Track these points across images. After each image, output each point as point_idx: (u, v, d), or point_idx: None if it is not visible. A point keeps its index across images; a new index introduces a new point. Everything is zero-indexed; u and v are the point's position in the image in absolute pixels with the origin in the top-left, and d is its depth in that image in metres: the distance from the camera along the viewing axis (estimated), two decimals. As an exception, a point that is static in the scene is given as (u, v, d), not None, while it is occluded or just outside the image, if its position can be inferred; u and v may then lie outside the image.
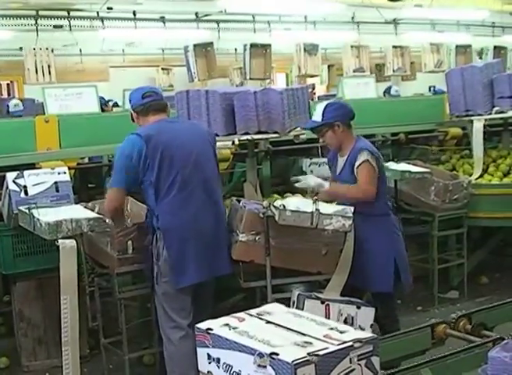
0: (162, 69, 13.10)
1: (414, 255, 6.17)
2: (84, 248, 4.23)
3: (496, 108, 6.29)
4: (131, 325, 4.41)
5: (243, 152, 5.43)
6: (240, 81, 13.31)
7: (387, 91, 10.48)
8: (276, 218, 3.91)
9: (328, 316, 3.99)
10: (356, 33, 13.16)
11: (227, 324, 2.01)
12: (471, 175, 6.25)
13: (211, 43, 11.26)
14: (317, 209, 3.93)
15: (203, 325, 2.01)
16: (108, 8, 10.88)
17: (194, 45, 10.95)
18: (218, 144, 4.32)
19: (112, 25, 11.16)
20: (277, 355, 1.79)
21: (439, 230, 5.77)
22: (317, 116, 4.38)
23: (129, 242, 4.11)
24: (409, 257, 6.03)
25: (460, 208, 5.79)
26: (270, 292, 4.09)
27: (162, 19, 11.52)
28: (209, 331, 1.97)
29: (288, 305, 4.06)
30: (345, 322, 3.99)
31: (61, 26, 11.29)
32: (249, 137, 4.82)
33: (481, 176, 6.25)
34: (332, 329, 1.95)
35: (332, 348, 1.82)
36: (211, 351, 1.97)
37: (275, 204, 4.00)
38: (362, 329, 4.00)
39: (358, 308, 4.04)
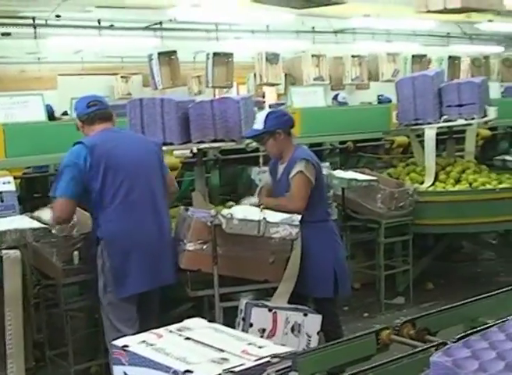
0: (121, 77, 13.04)
1: (362, 262, 6.28)
2: (29, 259, 4.17)
3: (444, 117, 6.42)
4: (77, 336, 4.37)
5: (192, 161, 5.44)
6: (198, 90, 13.32)
7: (335, 97, 10.65)
8: (223, 226, 3.92)
9: (275, 324, 4.01)
10: (309, 43, 13.28)
11: (144, 341, 1.96)
12: (421, 183, 6.36)
13: (175, 51, 11.26)
14: (264, 218, 3.96)
15: (119, 342, 1.96)
16: (57, 16, 10.76)
17: (159, 53, 10.97)
18: (175, 152, 4.32)
19: (60, 33, 11.05)
20: (191, 372, 1.76)
21: (385, 237, 5.85)
22: (258, 124, 4.43)
23: (76, 252, 4.07)
24: (356, 264, 6.18)
25: (406, 215, 5.88)
26: (218, 301, 4.10)
27: (111, 27, 11.45)
28: (125, 348, 1.92)
29: (236, 314, 4.09)
30: (292, 329, 4.02)
31: (9, 34, 11.13)
32: (206, 145, 4.86)
33: (432, 184, 6.36)
34: (250, 344, 1.93)
35: (248, 364, 1.80)
36: (127, 369, 1.92)
37: (222, 212, 4.02)
38: (309, 336, 4.05)
39: (305, 315, 4.07)
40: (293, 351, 1.91)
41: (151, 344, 1.94)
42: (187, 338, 1.99)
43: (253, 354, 1.85)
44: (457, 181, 6.43)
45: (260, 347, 1.91)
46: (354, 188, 5.72)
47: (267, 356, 1.84)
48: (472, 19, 16.05)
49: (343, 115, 7.21)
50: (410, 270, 6.07)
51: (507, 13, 13.04)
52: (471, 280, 6.77)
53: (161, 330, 2.06)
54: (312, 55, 12.34)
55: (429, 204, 6.06)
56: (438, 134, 6.85)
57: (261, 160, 5.37)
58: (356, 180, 5.58)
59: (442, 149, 7.11)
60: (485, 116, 6.57)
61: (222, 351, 1.88)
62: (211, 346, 1.92)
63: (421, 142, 6.87)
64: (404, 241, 6.06)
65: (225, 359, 1.82)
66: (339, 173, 5.85)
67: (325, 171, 5.69)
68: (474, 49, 17.85)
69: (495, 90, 8.92)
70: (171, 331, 2.05)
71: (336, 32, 13.92)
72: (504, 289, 3.67)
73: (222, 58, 11.13)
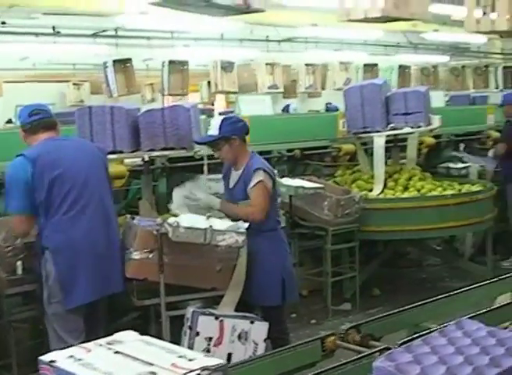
0: (74, 84, 12.91)
1: (310, 269, 6.34)
2: (-29, 270, 4.10)
3: (391, 125, 6.53)
4: (21, 348, 4.30)
5: (139, 169, 5.41)
6: (151, 97, 13.30)
7: (285, 109, 10.66)
8: (170, 235, 3.92)
9: (222, 332, 4.02)
10: (260, 51, 13.33)
11: (72, 356, 1.92)
12: (368, 190, 6.45)
13: (130, 59, 11.23)
14: (210, 226, 3.97)
15: (46, 357, 1.91)
16: (2, 23, 10.59)
17: (114, 61, 10.92)
18: (126, 160, 4.28)
19: (6, 40, 10.87)
20: (117, 387, 1.73)
21: (332, 244, 5.91)
22: (213, 130, 4.42)
23: (19, 262, 4.02)
24: (304, 271, 6.22)
25: (352, 222, 5.95)
26: (164, 310, 4.09)
27: (57, 34, 11.30)
28: (52, 364, 1.87)
29: (183, 322, 4.08)
30: (239, 337, 4.03)
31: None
32: (157, 153, 4.85)
33: (382, 191, 6.45)
34: (181, 357, 1.90)
35: (176, 378, 1.78)
36: (54, 385, 1.87)
37: (168, 221, 4.01)
38: (256, 344, 4.06)
39: (252, 323, 4.08)
40: (223, 363, 1.88)
41: (79, 359, 1.89)
42: (116, 352, 1.95)
43: (182, 367, 1.83)
44: (405, 188, 6.54)
45: (190, 359, 1.88)
46: (301, 196, 5.77)
47: (197, 369, 1.81)
48: (418, 28, 16.34)
49: (290, 123, 7.27)
50: (357, 277, 6.14)
51: (452, 23, 13.34)
52: (416, 285, 6.90)
53: (90, 344, 2.01)
54: (266, 64, 12.52)
55: (375, 211, 6.15)
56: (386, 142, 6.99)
57: (205, 168, 5.36)
58: (303, 187, 5.63)
59: (388, 157, 7.21)
60: (430, 124, 6.72)
61: (151, 364, 1.85)
62: (141, 360, 1.88)
63: (367, 150, 6.98)
64: (351, 248, 6.13)
65: (153, 373, 1.79)
66: (286, 180, 5.88)
67: (273, 179, 5.75)
68: (420, 59, 18.18)
69: (439, 98, 9.12)
70: (100, 345, 2.00)
71: (289, 41, 14.01)
72: (446, 294, 3.74)
73: (177, 66, 11.19)
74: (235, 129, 4.39)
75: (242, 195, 4.32)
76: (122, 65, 11.20)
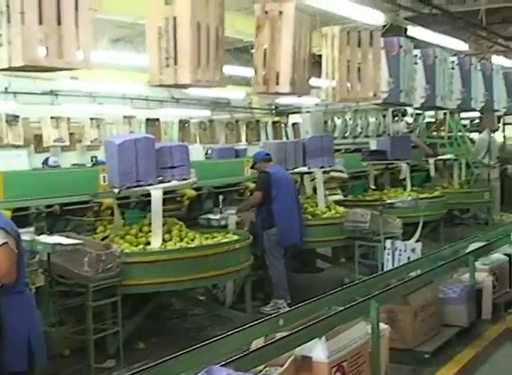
0: None
1: (72, 327, 6.17)
2: None
3: (159, 178, 6.65)
4: None
5: None
6: None
7: (45, 162, 10.41)
8: None
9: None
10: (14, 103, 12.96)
11: None
12: (144, 244, 6.47)
13: None
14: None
15: None
16: None
17: None
18: None
19: None
20: None
21: (93, 300, 5.83)
22: None
23: None
24: (67, 329, 6.05)
25: (114, 276, 5.93)
26: None
27: None
28: None
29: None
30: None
31: None
32: None
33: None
34: None
35: None
36: None
37: None
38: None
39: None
40: None
41: None
42: None
43: None
44: (181, 239, 6.69)
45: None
46: (60, 253, 5.65)
47: None
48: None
49: (49, 177, 7.08)
50: (120, 332, 6.09)
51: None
52: (180, 336, 6.99)
53: None
54: (51, 117, 12.47)
55: (136, 264, 6.18)
56: (143, 195, 7.09)
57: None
58: (61, 244, 5.53)
59: (149, 210, 7.29)
60: (193, 177, 7.02)
61: None
62: None
63: (129, 204, 7.04)
64: (113, 303, 6.08)
65: None
66: (44, 238, 5.75)
67: (28, 237, 5.58)
68: (183, 113, 18.72)
69: (199, 152, 9.47)
70: None
71: (51, 94, 13.79)
72: (205, 342, 3.87)
73: None
74: None
75: None
76: None
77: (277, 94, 6.88)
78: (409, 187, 10.97)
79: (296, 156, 9.09)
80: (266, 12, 6.64)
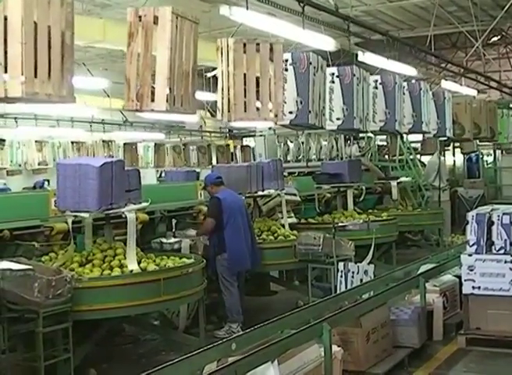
0: None
1: (22, 354, 6.05)
2: None
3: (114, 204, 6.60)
4: None
5: None
6: None
7: (-7, 187, 10.30)
8: None
9: None
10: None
11: None
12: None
13: None
14: None
15: None
16: None
17: None
18: None
19: None
20: None
21: (44, 326, 5.73)
22: None
23: None
24: (16, 356, 5.93)
25: (65, 302, 5.84)
26: None
27: None
28: None
29: None
30: None
31: None
32: None
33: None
34: None
35: None
36: None
37: None
38: None
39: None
40: None
41: None
42: None
43: None
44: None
45: None
46: (10, 278, 5.56)
47: None
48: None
49: (-2, 202, 6.99)
50: (72, 358, 5.99)
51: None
52: (133, 361, 6.92)
53: None
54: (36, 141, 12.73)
55: (88, 290, 6.10)
56: (97, 220, 7.03)
57: None
58: (10, 270, 5.44)
59: (102, 234, 7.25)
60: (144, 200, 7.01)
61: None
62: None
63: (79, 228, 6.98)
64: (64, 329, 5.99)
65: None
66: (-7, 263, 5.65)
67: (-23, 262, 5.48)
68: (137, 136, 18.70)
69: (152, 176, 9.45)
70: None
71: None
72: (157, 368, 3.86)
73: None
74: None
75: None
76: None
77: (153, 112, 6.02)
78: (351, 207, 11.14)
79: (257, 179, 9.15)
80: (140, 18, 5.88)
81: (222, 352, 4.53)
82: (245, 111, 6.88)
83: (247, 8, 7.41)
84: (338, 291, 7.58)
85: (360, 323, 5.99)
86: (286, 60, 7.72)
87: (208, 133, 21.45)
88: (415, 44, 12.88)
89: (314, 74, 7.96)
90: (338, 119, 8.95)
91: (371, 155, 14.96)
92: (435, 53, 14.92)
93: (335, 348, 5.22)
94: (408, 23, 16.72)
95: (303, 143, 14.48)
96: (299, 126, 8.56)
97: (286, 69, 7.70)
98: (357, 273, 7.83)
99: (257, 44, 6.91)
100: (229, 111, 6.85)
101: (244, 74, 6.85)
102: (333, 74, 8.95)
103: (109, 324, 6.73)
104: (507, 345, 6.59)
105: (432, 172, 15.18)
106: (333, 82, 8.93)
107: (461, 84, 15.64)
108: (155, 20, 5.82)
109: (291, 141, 14.67)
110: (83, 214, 6.48)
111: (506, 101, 18.37)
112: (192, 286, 6.77)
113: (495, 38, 22.17)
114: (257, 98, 6.93)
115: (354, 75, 8.94)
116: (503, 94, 19.20)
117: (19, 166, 14.15)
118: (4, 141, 14.52)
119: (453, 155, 17.74)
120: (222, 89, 6.87)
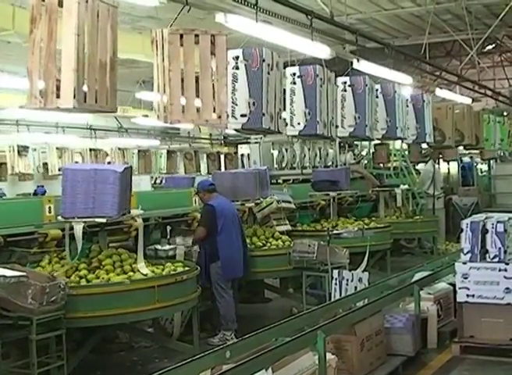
0: None
1: (15, 361, 6.02)
2: None
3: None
4: None
5: None
6: None
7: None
8: None
9: None
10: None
11: None
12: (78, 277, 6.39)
13: None
14: None
15: None
16: None
17: None
18: None
19: None
20: None
21: (37, 333, 5.70)
22: None
23: None
24: (11, 363, 5.91)
25: (58, 309, 5.82)
26: None
27: None
28: None
29: None
30: None
31: None
32: None
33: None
34: None
35: None
36: None
37: None
38: None
39: None
40: None
41: None
42: None
43: None
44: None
45: None
46: (3, 285, 5.53)
47: None
48: (128, 114, 16.89)
49: (-7, 208, 6.97)
50: (65, 365, 5.97)
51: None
52: (127, 368, 6.90)
53: None
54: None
55: (82, 297, 6.08)
56: (91, 226, 7.01)
57: None
58: (4, 276, 5.42)
59: (97, 241, 7.23)
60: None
61: None
62: None
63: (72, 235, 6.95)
64: (58, 336, 5.96)
65: None
66: (-14, 270, 5.63)
67: (-30, 269, 5.46)
68: (132, 142, 18.70)
69: (147, 182, 9.44)
70: None
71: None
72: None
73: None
74: None
75: None
76: None
77: (59, 110, 5.30)
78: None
79: (257, 186, 9.18)
80: (43, 0, 5.17)
81: (216, 360, 4.52)
82: (183, 111, 6.25)
83: (257, 21, 7.36)
84: (332, 299, 7.58)
85: (355, 331, 5.99)
86: (237, 57, 7.09)
87: (202, 140, 21.47)
88: (410, 53, 12.92)
89: (269, 73, 7.16)
90: (299, 124, 8.26)
91: (367, 162, 14.97)
92: (429, 61, 14.96)
93: (329, 355, 5.21)
94: (403, 31, 16.77)
95: (297, 150, 14.47)
96: (252, 131, 7.74)
97: (238, 67, 7.07)
98: (352, 280, 7.82)
99: (196, 36, 6.25)
100: (165, 111, 6.18)
101: (182, 70, 6.17)
102: (294, 74, 8.26)
103: (103, 331, 6.71)
104: (501, 353, 6.60)
105: (427, 180, 15.21)
106: (294, 83, 8.24)
107: (456, 92, 15.69)
108: (60, 2, 5.16)
109: (286, 149, 14.65)
110: (99, 219, 6.41)
111: (499, 110, 18.42)
112: (186, 293, 6.75)
113: (489, 47, 22.25)
114: (198, 97, 6.29)
115: (317, 75, 8.20)
116: (497, 102, 19.26)
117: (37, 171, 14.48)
118: (27, 147, 14.55)
119: (437, 162, 17.49)
120: (158, 87, 6.19)
